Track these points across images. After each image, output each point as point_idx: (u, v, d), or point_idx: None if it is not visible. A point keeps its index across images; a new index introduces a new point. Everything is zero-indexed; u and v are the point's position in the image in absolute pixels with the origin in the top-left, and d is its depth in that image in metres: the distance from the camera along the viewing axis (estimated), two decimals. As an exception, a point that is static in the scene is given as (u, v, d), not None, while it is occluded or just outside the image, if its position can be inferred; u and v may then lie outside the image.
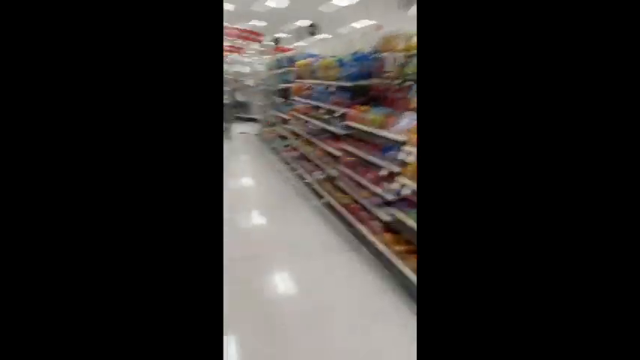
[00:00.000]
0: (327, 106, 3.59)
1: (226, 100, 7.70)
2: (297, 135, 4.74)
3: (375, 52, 2.94)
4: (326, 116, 3.63)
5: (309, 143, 4.28)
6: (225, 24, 9.78)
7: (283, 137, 5.50)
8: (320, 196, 3.65)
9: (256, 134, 7.42)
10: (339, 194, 3.24)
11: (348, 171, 3.08)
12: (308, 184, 4.07)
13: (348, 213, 3.01)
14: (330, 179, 3.55)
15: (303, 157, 4.44)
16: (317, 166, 3.98)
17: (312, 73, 4.04)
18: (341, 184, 3.23)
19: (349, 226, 2.99)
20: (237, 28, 9.76)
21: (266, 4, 8.04)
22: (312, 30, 7.10)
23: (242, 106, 9.53)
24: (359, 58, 2.99)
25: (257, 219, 3.16)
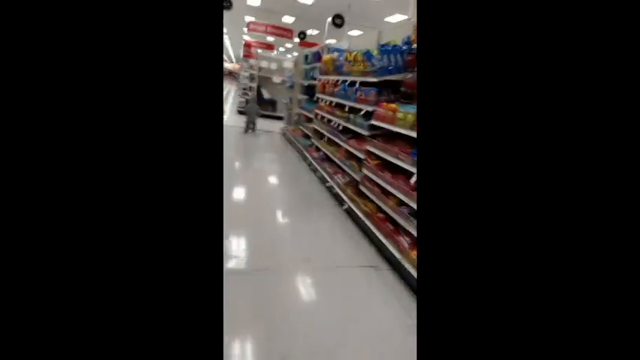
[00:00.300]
0: (351, 104, 3.29)
1: (252, 97, 7.65)
2: (320, 134, 4.49)
3: (408, 43, 2.60)
4: (350, 115, 3.34)
5: (333, 144, 4.01)
6: (252, 19, 9.73)
7: (307, 136, 5.27)
8: (342, 202, 3.37)
9: (281, 133, 7.25)
10: (362, 201, 2.95)
11: (372, 175, 2.77)
12: (330, 188, 3.80)
13: (372, 223, 2.71)
14: (354, 183, 3.26)
15: (327, 158, 4.18)
16: (340, 168, 3.70)
17: (337, 69, 3.76)
18: (364, 189, 2.93)
19: (372, 238, 2.68)
20: (264, 24, 9.67)
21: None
22: (339, 22, 6.67)
23: (269, 103, 9.42)
24: (388, 50, 2.66)
25: (271, 225, 2.94)
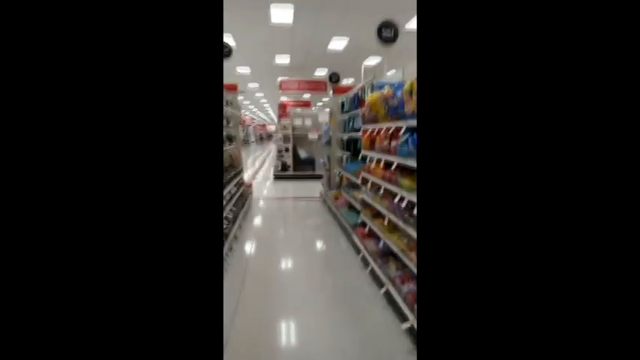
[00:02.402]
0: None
1: (286, 157, 6.66)
2: (374, 211, 2.94)
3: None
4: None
5: (395, 229, 2.43)
6: (284, 78, 9.16)
7: (353, 208, 3.77)
8: None
9: (320, 199, 5.84)
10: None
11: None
12: (412, 332, 2.04)
13: None
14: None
15: (389, 253, 2.58)
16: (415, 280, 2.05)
17: (392, 111, 2.34)
18: None
19: None
20: (297, 81, 9.04)
21: (328, 48, 7.06)
22: (389, 35, 4.23)
23: (306, 162, 8.38)
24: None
25: None
